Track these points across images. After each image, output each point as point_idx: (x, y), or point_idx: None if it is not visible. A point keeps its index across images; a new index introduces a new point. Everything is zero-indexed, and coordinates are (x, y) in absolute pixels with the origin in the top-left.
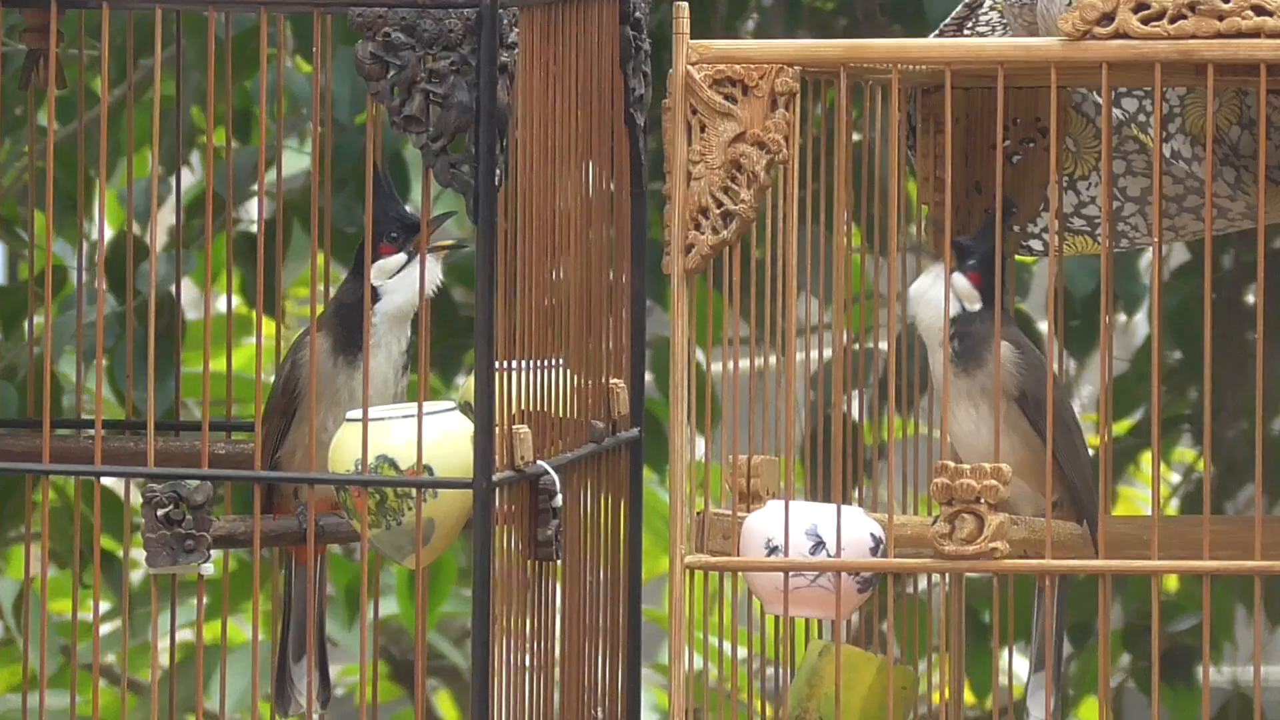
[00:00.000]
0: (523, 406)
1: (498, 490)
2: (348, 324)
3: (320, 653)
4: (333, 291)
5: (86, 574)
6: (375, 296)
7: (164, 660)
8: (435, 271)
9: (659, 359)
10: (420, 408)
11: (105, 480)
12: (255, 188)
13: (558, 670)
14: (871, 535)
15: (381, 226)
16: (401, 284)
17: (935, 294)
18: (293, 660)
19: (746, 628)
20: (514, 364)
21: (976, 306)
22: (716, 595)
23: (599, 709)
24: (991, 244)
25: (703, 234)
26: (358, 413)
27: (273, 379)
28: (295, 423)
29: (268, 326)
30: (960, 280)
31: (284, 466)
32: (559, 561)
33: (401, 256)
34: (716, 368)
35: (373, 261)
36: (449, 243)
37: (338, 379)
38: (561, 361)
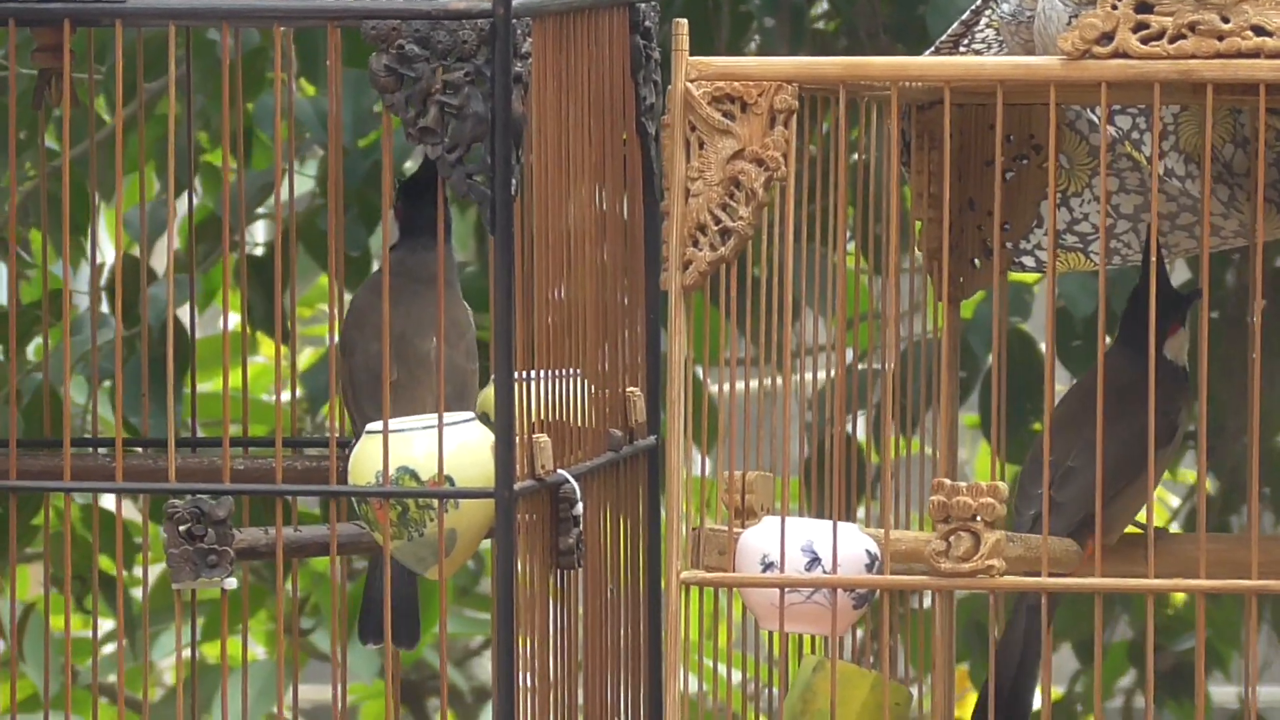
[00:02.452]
0: (541, 416)
1: (519, 500)
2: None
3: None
4: (340, 311)
5: (89, 596)
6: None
7: (171, 679)
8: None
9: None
10: (440, 419)
11: (106, 502)
12: (259, 210)
13: (580, 681)
14: (867, 551)
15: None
16: None
17: None
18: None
19: (741, 647)
20: (532, 374)
21: None
22: (713, 613)
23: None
24: None
25: (700, 251)
26: (378, 424)
27: (285, 396)
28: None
29: (272, 347)
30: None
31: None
32: (580, 569)
33: None
34: (714, 385)
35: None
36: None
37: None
38: (579, 371)
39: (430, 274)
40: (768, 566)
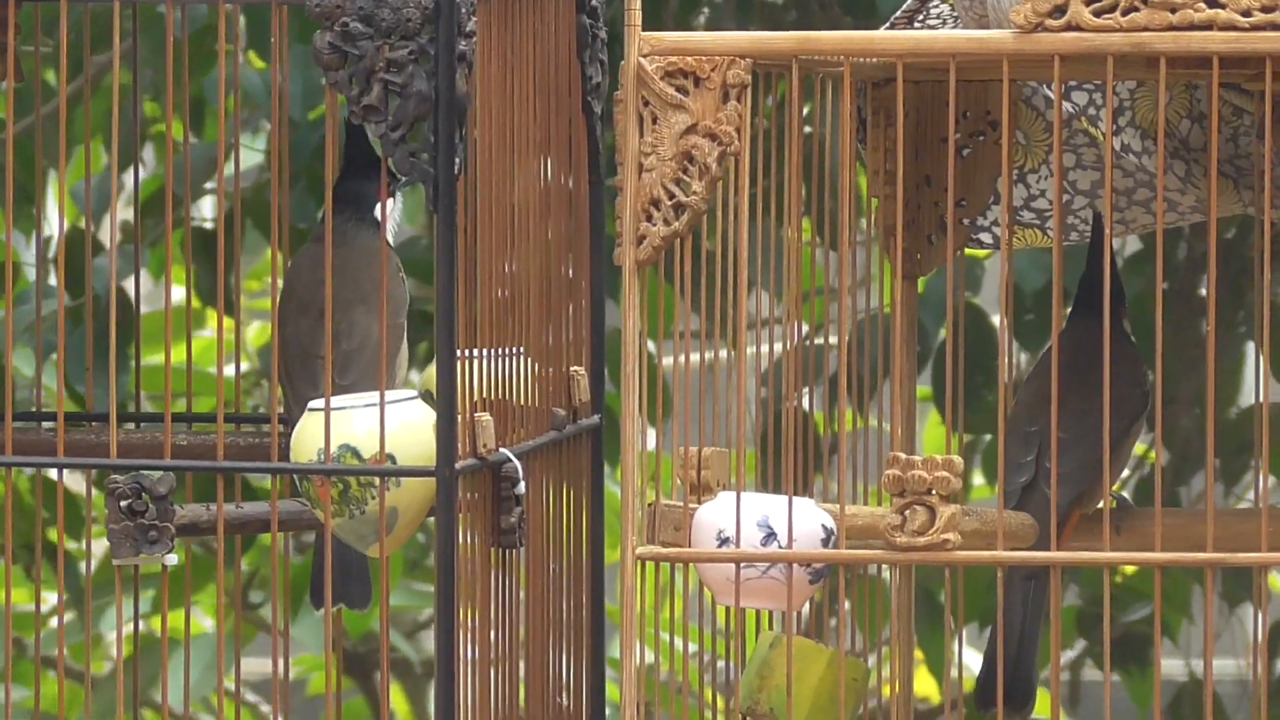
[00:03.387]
0: (484, 394)
1: (461, 478)
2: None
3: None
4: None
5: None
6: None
7: (116, 652)
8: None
9: (611, 351)
10: (382, 396)
11: (53, 474)
12: (209, 184)
13: (521, 661)
14: (823, 526)
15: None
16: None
17: None
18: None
19: (698, 621)
20: (474, 352)
21: None
22: (668, 588)
23: (563, 697)
24: None
25: (654, 226)
26: (320, 402)
27: (229, 371)
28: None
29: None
30: None
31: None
32: (522, 549)
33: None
34: (668, 361)
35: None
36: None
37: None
38: (522, 350)
39: (362, 245)
40: (723, 542)
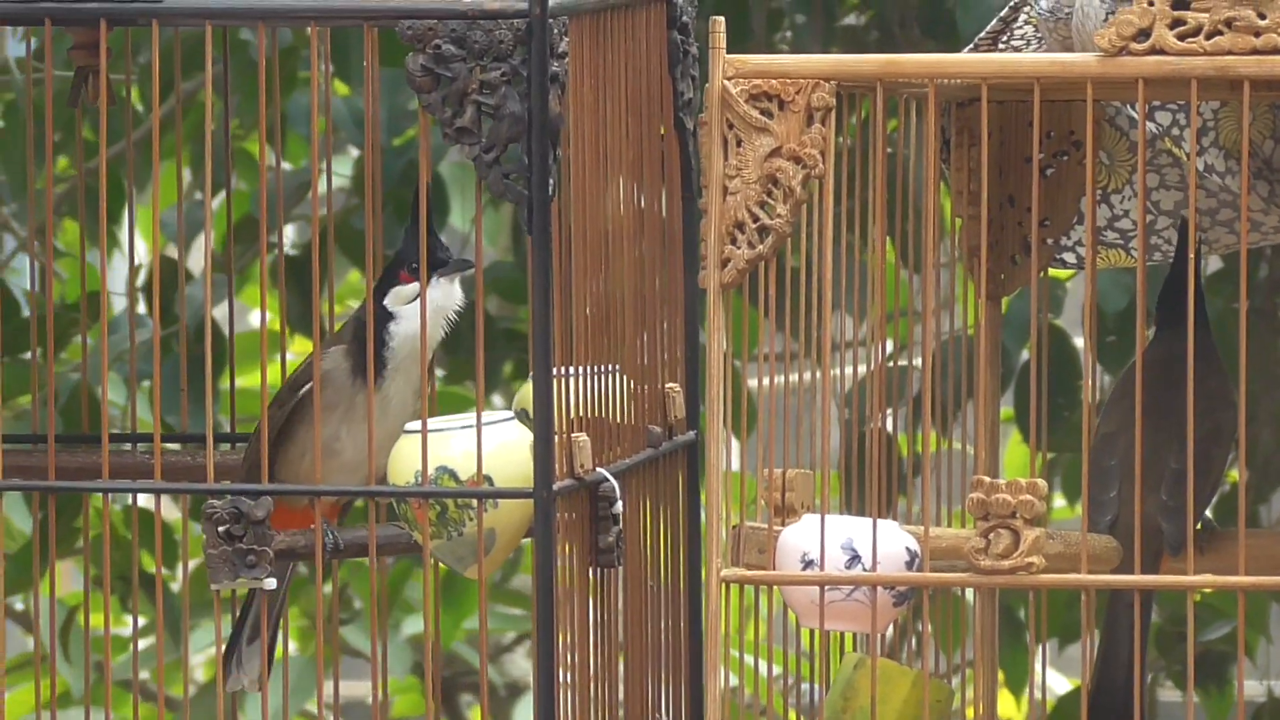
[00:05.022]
0: (580, 413)
1: (558, 499)
2: (366, 346)
3: (271, 640)
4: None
5: (130, 596)
6: (391, 318)
7: (203, 676)
8: (455, 293)
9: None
10: (479, 418)
11: (143, 500)
12: (295, 210)
13: (619, 677)
14: (907, 549)
15: (407, 255)
16: (417, 309)
17: None
18: (245, 641)
19: (781, 644)
20: (570, 371)
21: None
22: (750, 610)
23: (661, 717)
24: None
25: (739, 248)
26: (417, 424)
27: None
28: (305, 426)
29: (307, 345)
30: None
31: (291, 468)
32: (620, 568)
33: (417, 285)
34: (752, 382)
35: (391, 288)
36: (458, 261)
37: (356, 397)
38: (617, 367)
39: None
40: (808, 564)
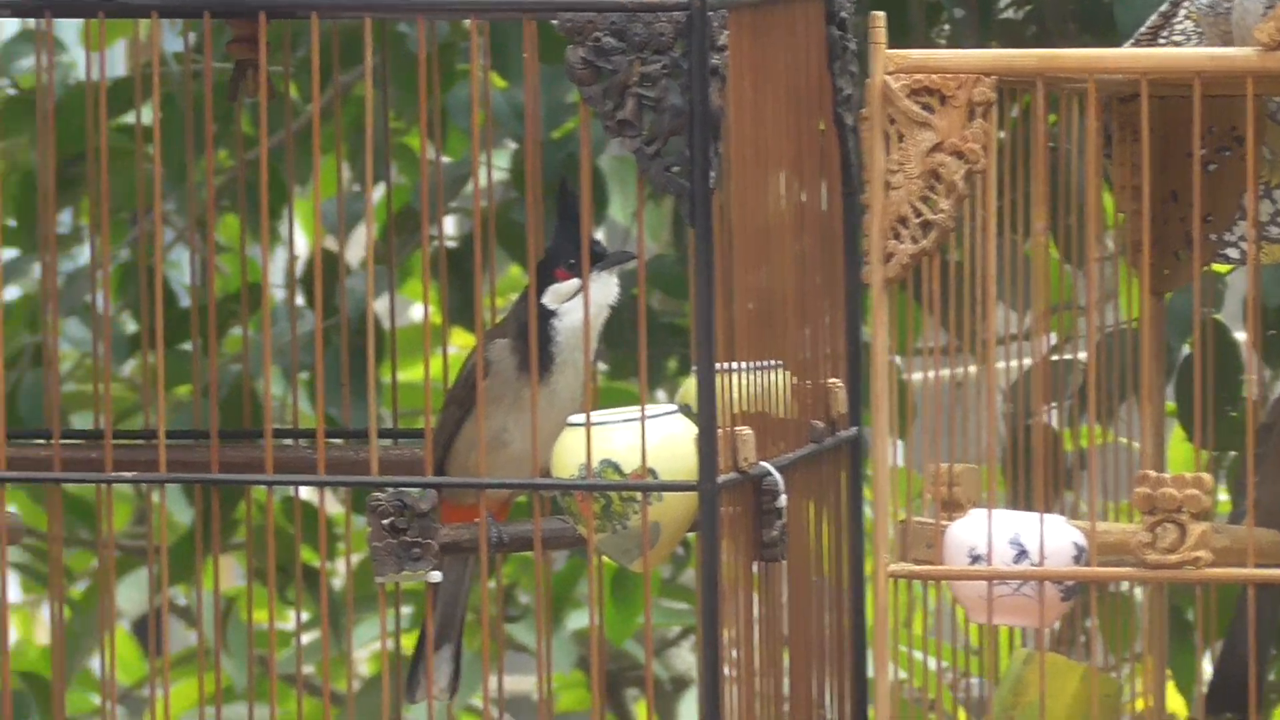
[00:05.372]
0: (744, 408)
1: (723, 492)
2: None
3: (457, 645)
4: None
5: (289, 589)
6: (554, 314)
7: (367, 670)
8: (613, 287)
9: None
10: (643, 411)
11: (306, 492)
12: (452, 204)
13: (784, 676)
14: (1074, 544)
15: (561, 252)
16: (578, 304)
17: None
18: (432, 648)
19: (947, 638)
20: (733, 365)
21: None
22: (916, 603)
23: (826, 713)
24: None
25: (902, 244)
26: (580, 417)
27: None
28: (472, 419)
29: (466, 338)
30: None
31: (459, 461)
32: (783, 562)
33: (575, 282)
34: (914, 376)
35: (548, 286)
36: (617, 254)
37: (523, 390)
38: (779, 362)
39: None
40: (975, 559)
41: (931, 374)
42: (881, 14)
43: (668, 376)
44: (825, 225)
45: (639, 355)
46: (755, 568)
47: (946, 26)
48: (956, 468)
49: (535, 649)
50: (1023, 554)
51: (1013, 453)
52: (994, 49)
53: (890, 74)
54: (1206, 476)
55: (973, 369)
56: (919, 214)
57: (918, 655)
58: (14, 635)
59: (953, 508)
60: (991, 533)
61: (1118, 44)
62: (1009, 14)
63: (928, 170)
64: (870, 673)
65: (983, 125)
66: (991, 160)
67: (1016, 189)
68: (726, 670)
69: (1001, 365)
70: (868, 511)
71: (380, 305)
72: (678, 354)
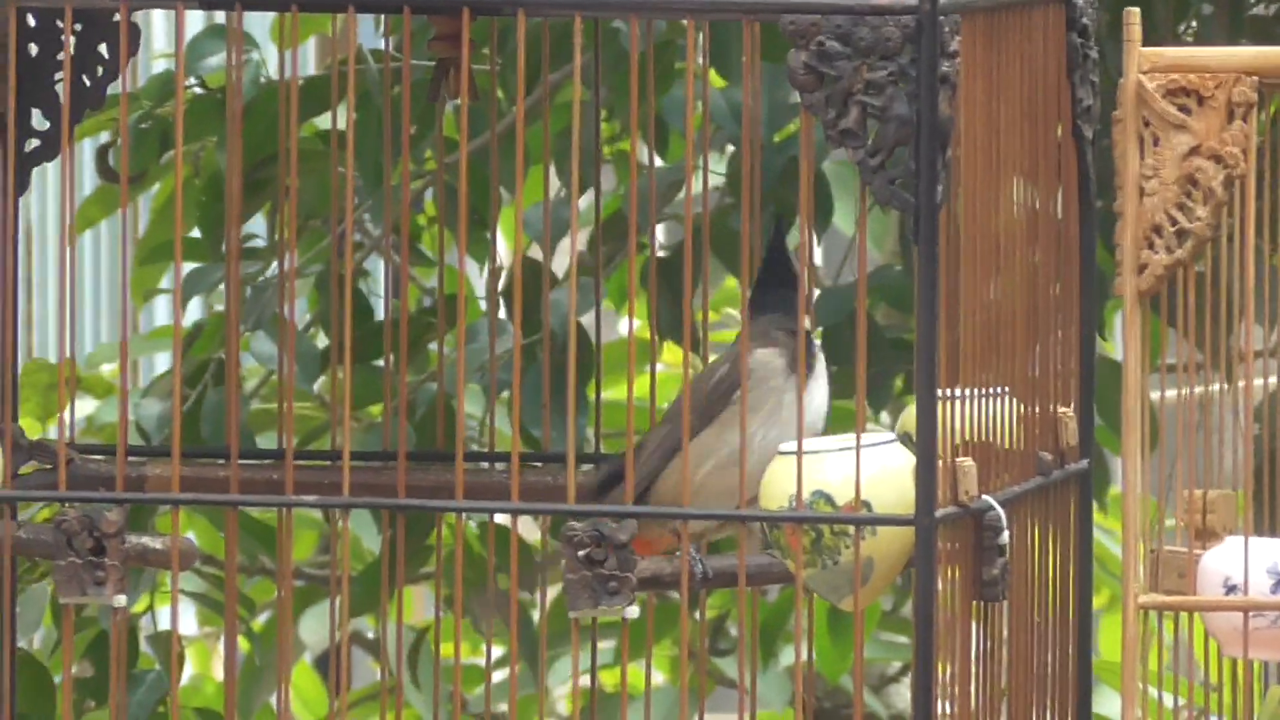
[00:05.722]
0: (966, 438)
1: (941, 527)
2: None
3: None
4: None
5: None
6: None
7: (565, 708)
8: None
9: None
10: (859, 439)
11: (501, 520)
12: (667, 210)
13: (1002, 716)
14: None
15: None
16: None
17: None
18: None
19: (1185, 673)
20: (955, 392)
21: None
22: (1157, 639)
23: None
24: None
25: (1156, 254)
26: (791, 445)
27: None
28: (721, 428)
29: (675, 354)
30: None
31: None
32: (1005, 600)
33: None
34: (1153, 396)
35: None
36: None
37: (785, 395)
38: (1005, 389)
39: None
40: (1231, 589)
41: (1172, 393)
42: (1136, 10)
43: (893, 397)
44: (1060, 238)
45: (857, 375)
46: (975, 606)
47: (1194, 24)
48: (1211, 494)
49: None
50: None
51: (1263, 476)
52: (1251, 46)
53: (1145, 73)
54: None
55: (1215, 388)
56: (1174, 222)
57: (1153, 692)
58: (189, 669)
59: (1206, 536)
60: (1248, 561)
61: None
62: (1259, 9)
63: (1184, 175)
64: (1099, 709)
65: (1242, 128)
66: (1251, 165)
67: (1263, 197)
68: (943, 709)
69: (1258, 383)
70: (1100, 540)
71: (586, 319)
72: (903, 371)
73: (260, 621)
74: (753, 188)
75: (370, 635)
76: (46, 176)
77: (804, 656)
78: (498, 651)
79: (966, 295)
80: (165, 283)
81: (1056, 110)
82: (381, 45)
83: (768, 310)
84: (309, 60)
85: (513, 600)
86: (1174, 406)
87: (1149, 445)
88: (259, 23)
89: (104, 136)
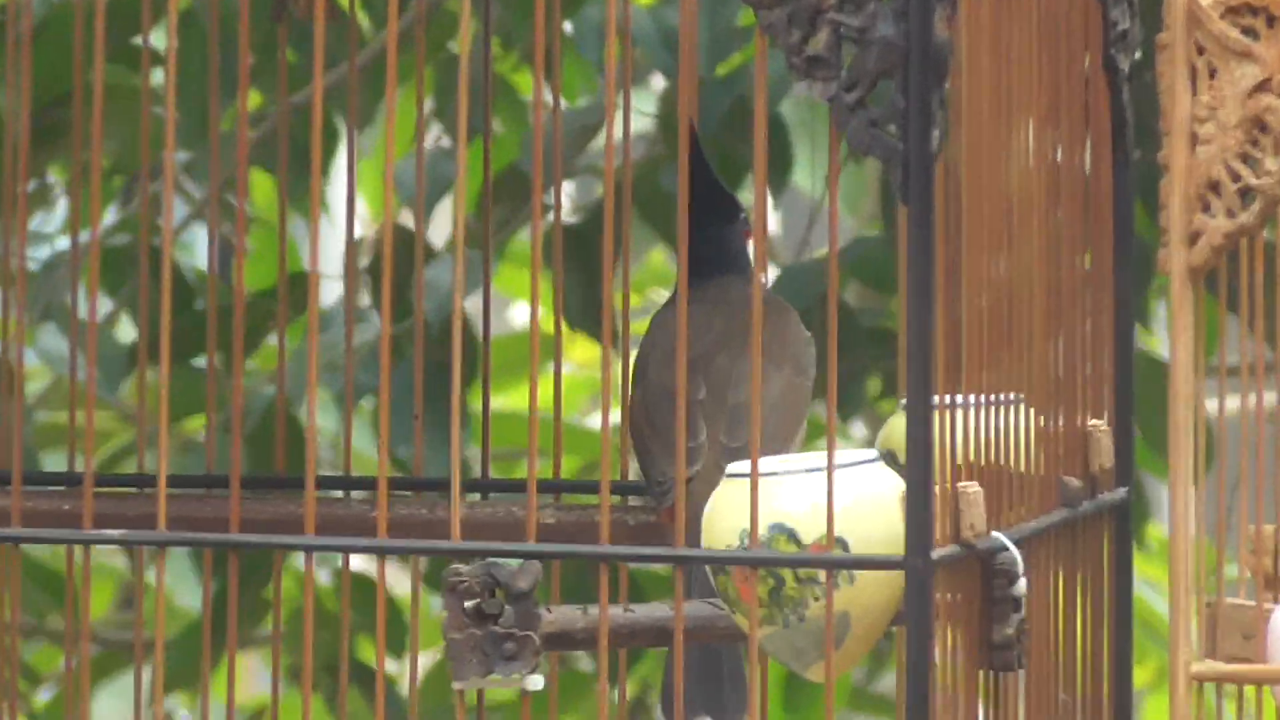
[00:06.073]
0: (970, 457)
1: (938, 572)
2: None
3: None
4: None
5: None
6: None
7: None
8: None
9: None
10: (830, 457)
11: (359, 563)
12: (579, 161)
13: None
14: None
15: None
16: None
17: None
18: None
19: None
20: (956, 399)
21: None
22: (1216, 716)
23: None
24: None
25: (1213, 217)
26: (742, 466)
27: (614, 419)
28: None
29: (589, 350)
30: None
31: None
32: (1022, 670)
33: None
34: (1210, 404)
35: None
36: None
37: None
38: (1020, 396)
39: (738, 295)
40: None
41: (1233, 401)
42: None
43: (867, 403)
44: (1088, 198)
45: (828, 373)
46: (982, 677)
47: None
48: None
49: None
50: None
51: None
52: None
53: None
54: None
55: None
56: (1237, 177)
57: None
58: None
59: (1278, 586)
60: None
61: None
62: None
63: (1250, 118)
64: None
65: None
66: None
67: None
68: None
69: None
70: (1141, 593)
71: (472, 304)
72: (882, 369)
73: (44, 699)
74: (689, 134)
75: (186, 717)
76: None
77: None
78: None
79: (969, 271)
80: None
81: (1084, 35)
82: None
83: (708, 264)
84: None
85: (379, 670)
86: (1235, 418)
87: (1203, 468)
88: None
89: None
